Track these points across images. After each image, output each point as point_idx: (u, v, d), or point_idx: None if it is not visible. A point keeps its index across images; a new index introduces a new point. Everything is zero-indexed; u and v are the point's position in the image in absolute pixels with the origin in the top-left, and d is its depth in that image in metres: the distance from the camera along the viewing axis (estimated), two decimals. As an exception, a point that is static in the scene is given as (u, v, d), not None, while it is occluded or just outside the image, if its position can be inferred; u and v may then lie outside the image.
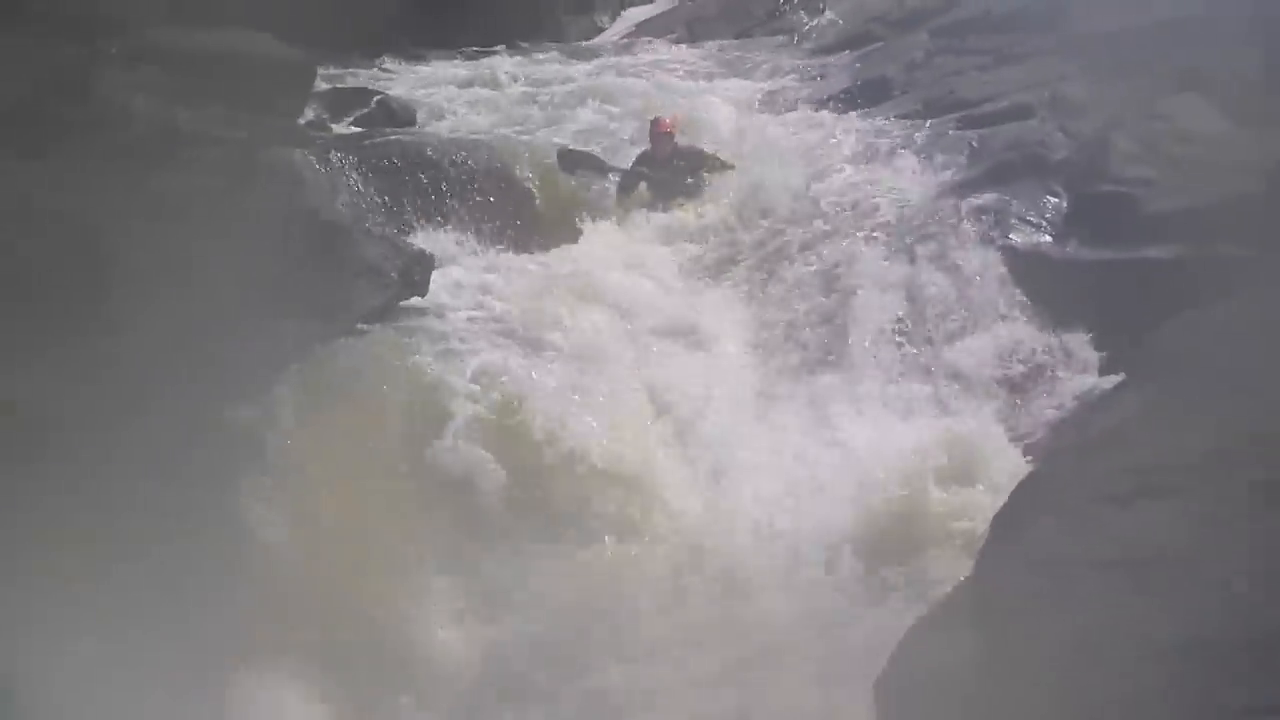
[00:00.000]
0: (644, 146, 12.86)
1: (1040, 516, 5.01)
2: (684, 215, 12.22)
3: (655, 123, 12.86)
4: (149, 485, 7.79)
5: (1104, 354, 9.03)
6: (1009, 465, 7.72)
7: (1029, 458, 7.54)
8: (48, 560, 7.16)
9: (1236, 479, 4.44)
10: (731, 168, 12.67)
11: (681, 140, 12.81)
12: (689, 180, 12.56)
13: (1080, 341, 9.31)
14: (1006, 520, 5.28)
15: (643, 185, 12.53)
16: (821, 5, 19.49)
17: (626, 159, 13.00)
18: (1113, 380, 8.28)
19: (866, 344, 9.95)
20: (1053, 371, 9.20)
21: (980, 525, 6.45)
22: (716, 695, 6.95)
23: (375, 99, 14.53)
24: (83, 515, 7.34)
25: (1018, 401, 9.07)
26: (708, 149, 13.01)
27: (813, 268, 10.89)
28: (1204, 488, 4.51)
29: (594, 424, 8.92)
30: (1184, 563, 4.21)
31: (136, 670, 7.10)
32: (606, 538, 8.53)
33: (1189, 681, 3.80)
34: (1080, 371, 9.08)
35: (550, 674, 7.49)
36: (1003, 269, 10.16)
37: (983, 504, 7.13)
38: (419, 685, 7.62)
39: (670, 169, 12.59)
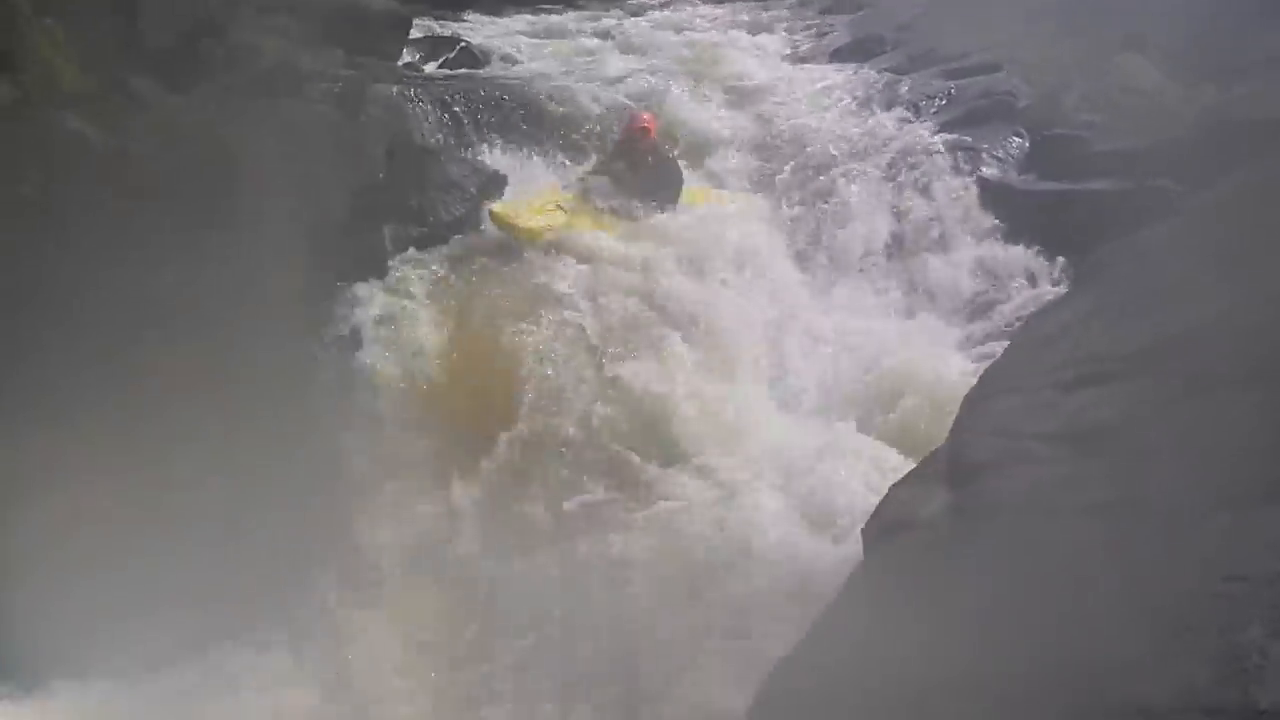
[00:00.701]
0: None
1: (1001, 396, 4.99)
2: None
3: (633, 117, 10.58)
4: (268, 354, 7.85)
5: (1055, 269, 8.99)
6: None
7: (991, 351, 7.46)
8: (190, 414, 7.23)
9: (1163, 369, 4.39)
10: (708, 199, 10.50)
11: (660, 146, 10.47)
12: (655, 192, 9.97)
13: (1036, 258, 9.29)
14: (974, 398, 5.25)
15: (604, 181, 10.03)
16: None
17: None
18: (1061, 290, 8.27)
19: (862, 255, 9.94)
20: (1012, 282, 9.16)
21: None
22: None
23: (459, 45, 14.38)
24: (211, 380, 7.39)
25: (983, 306, 9.07)
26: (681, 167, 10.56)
27: (820, 192, 10.71)
28: (1136, 376, 4.46)
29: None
30: (1117, 435, 4.18)
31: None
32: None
33: (1121, 532, 3.79)
34: (1034, 283, 9.04)
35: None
36: (974, 197, 10.06)
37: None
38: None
39: (642, 172, 10.04)
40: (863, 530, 4.91)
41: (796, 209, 10.49)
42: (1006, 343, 6.39)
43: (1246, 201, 5.72)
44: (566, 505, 7.40)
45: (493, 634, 6.91)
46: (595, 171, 10.23)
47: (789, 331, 9.03)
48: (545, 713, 6.35)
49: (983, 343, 8.36)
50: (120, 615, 6.68)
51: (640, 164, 10.04)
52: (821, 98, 12.45)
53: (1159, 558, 3.61)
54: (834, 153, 11.03)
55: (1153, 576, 3.55)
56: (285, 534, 7.45)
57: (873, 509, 5.09)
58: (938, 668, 3.75)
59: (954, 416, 5.23)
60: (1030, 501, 4.11)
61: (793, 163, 11.11)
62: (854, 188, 10.48)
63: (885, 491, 5.24)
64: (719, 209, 10.18)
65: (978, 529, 4.21)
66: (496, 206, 9.57)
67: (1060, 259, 9.08)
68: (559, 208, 9.67)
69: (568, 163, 11.10)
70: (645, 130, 10.21)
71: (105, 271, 7.63)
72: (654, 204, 9.88)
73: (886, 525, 4.73)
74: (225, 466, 7.54)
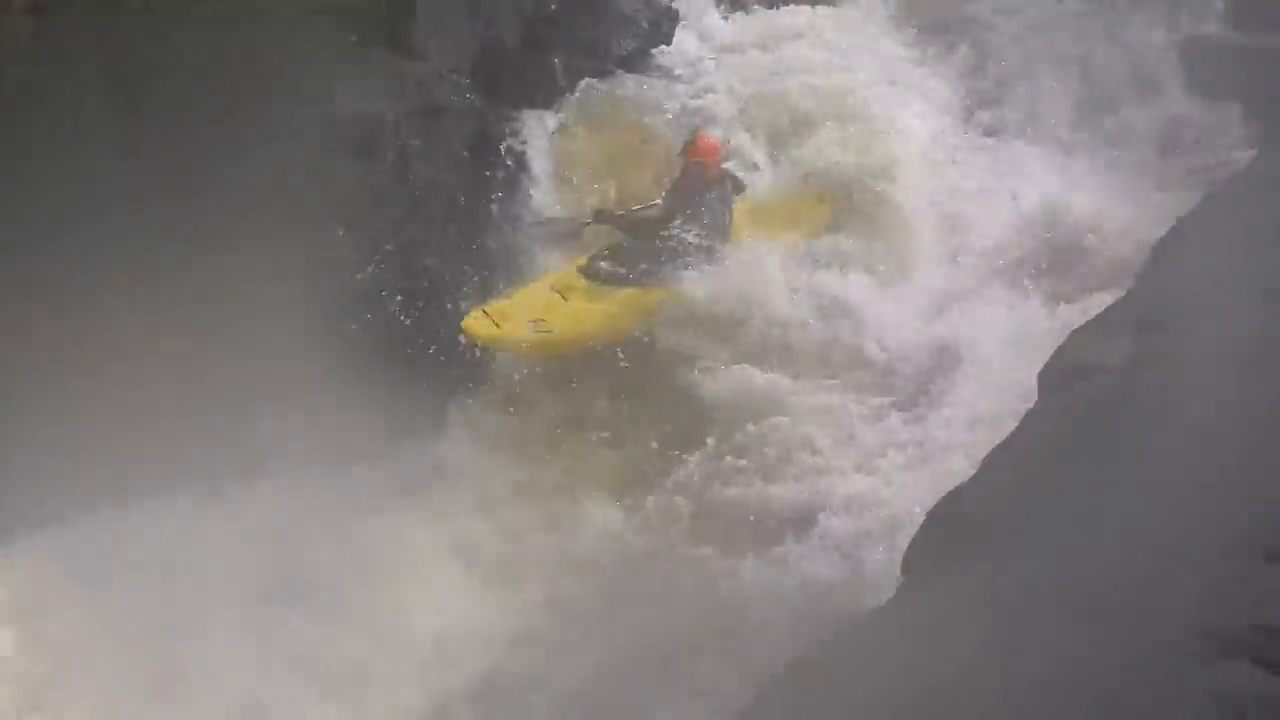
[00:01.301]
0: None
1: (1191, 248, 4.79)
2: None
3: (692, 147, 8.07)
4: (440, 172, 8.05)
5: (1249, 126, 8.55)
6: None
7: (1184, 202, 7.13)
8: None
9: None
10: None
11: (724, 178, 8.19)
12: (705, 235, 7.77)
13: (1230, 114, 8.87)
14: (1162, 248, 5.06)
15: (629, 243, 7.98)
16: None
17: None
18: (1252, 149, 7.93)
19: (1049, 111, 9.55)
20: (1205, 136, 8.79)
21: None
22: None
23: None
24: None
25: (1174, 159, 8.82)
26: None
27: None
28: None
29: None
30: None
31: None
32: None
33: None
34: (1228, 138, 8.63)
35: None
36: (1171, 49, 9.58)
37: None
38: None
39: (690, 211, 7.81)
40: (1040, 374, 4.77)
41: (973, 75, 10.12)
42: (1199, 195, 6.10)
43: None
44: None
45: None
46: (640, 210, 8.22)
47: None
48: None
49: (1174, 193, 7.96)
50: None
51: (692, 203, 7.89)
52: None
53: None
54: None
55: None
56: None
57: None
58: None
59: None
60: (1218, 353, 3.95)
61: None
62: (1038, 41, 10.05)
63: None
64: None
65: (1161, 380, 4.07)
66: (468, 319, 7.35)
67: (1254, 119, 8.59)
68: (557, 293, 7.73)
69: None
70: (704, 165, 7.95)
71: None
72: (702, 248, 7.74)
73: (1066, 370, 4.58)
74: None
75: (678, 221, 7.73)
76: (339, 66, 7.88)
